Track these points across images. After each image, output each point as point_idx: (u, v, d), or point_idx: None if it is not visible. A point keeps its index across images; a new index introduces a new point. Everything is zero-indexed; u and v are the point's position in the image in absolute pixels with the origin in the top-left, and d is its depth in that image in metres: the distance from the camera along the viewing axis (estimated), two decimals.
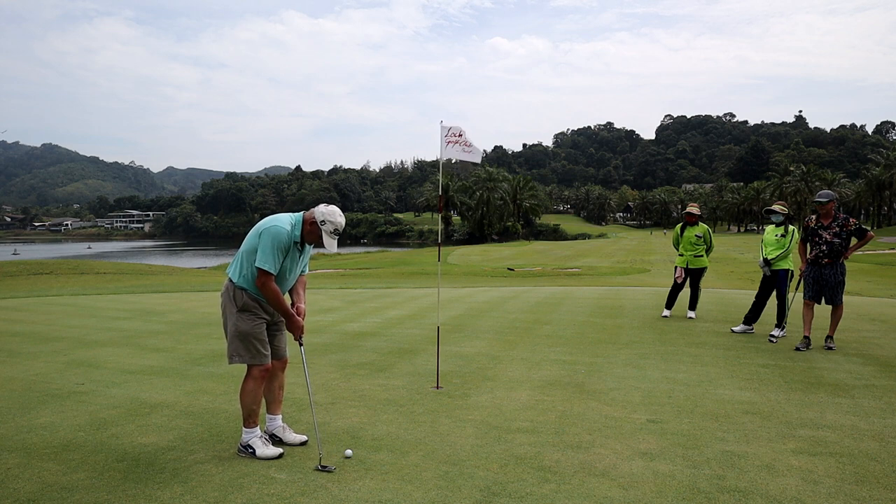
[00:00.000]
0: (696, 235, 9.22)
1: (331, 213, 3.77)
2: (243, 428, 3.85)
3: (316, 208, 3.80)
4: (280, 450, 3.82)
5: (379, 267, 36.33)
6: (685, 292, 9.42)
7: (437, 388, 5.34)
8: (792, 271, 7.74)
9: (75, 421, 4.52)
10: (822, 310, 7.52)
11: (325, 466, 3.60)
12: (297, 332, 3.94)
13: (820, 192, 7.03)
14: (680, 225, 9.46)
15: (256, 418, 3.87)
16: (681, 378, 5.58)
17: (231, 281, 3.86)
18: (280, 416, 4.08)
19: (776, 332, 7.43)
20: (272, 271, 3.70)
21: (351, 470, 3.55)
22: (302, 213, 3.88)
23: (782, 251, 7.63)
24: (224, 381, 5.71)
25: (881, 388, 5.17)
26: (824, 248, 6.88)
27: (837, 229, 6.83)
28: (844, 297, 7.13)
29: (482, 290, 15.50)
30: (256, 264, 3.68)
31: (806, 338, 6.89)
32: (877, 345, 7.07)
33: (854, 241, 6.89)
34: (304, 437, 4.04)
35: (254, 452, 3.77)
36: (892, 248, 45.79)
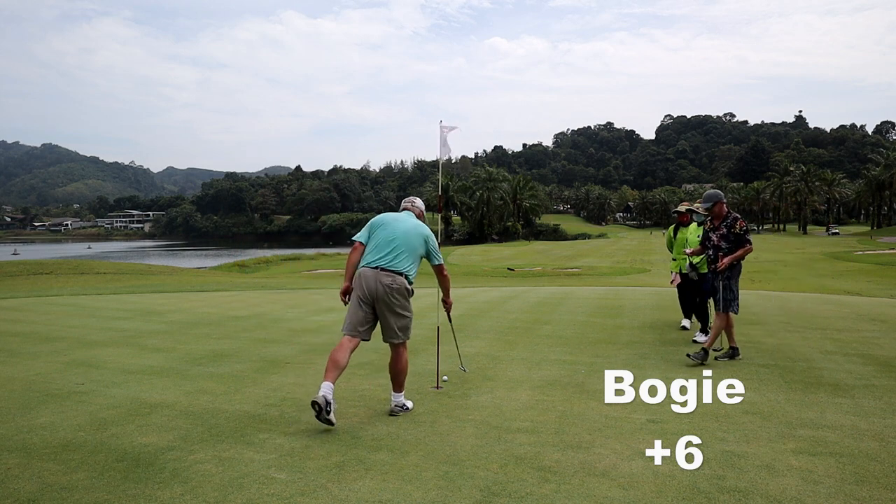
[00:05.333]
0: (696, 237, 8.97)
1: (420, 203, 5.28)
2: (398, 393, 4.67)
3: (418, 206, 5.12)
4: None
5: None
6: None
7: (438, 388, 5.35)
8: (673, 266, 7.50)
9: (75, 421, 4.52)
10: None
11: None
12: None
13: (705, 194, 6.37)
14: (673, 227, 8.68)
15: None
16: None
17: (406, 276, 4.58)
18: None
19: (699, 337, 7.22)
20: None
21: (351, 470, 3.55)
22: (409, 212, 4.97)
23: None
24: (224, 381, 5.71)
25: (881, 388, 5.17)
26: (710, 252, 6.35)
27: (725, 230, 6.22)
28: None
29: (482, 290, 15.50)
30: (440, 262, 4.86)
31: (732, 348, 6.29)
32: (877, 345, 7.07)
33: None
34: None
35: (409, 408, 4.69)
36: (892, 248, 45.79)
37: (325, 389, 4.22)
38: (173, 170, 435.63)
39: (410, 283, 4.65)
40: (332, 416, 4.16)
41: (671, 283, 8.83)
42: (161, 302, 13.37)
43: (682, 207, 8.31)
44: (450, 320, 5.48)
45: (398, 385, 4.67)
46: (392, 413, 4.61)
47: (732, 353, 6.28)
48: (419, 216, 5.00)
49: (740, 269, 6.34)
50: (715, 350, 6.41)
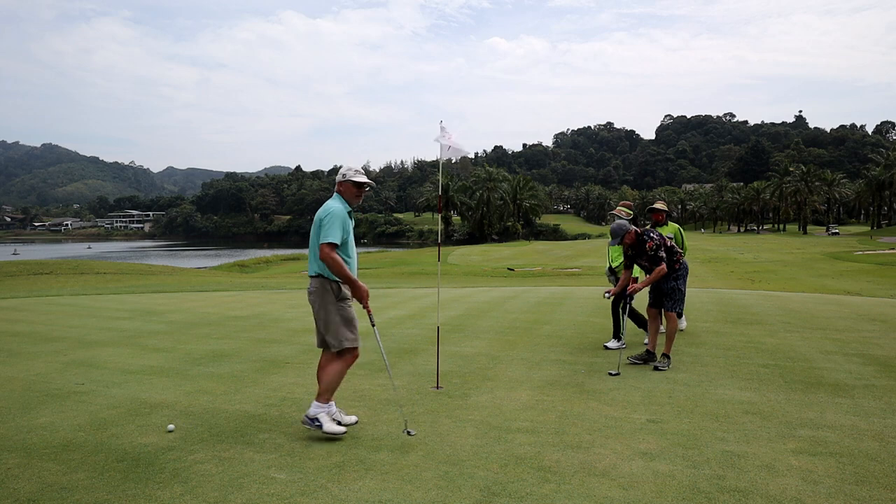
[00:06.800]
0: (667, 236, 8.49)
1: (346, 170, 4.23)
2: (316, 402, 4.13)
3: (338, 179, 4.23)
4: (344, 429, 4.13)
5: (379, 267, 36.34)
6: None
7: (438, 388, 5.35)
8: (637, 278, 6.84)
9: (75, 421, 4.52)
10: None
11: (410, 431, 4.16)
12: (365, 298, 4.15)
13: (610, 230, 6.24)
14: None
15: (332, 394, 4.18)
16: (681, 378, 5.58)
17: (321, 277, 4.12)
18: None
19: (611, 344, 7.00)
20: (337, 241, 4.02)
21: (351, 470, 3.55)
22: (334, 193, 4.24)
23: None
24: (224, 381, 5.71)
25: (881, 388, 5.17)
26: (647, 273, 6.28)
27: (646, 254, 6.16)
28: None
29: (482, 290, 15.50)
30: (321, 240, 4.00)
31: (648, 352, 6.26)
32: (877, 345, 7.06)
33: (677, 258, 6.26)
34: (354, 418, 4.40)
35: (320, 426, 4.07)
36: (892, 248, 45.80)
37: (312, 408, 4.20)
38: (173, 170, 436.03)
39: (332, 279, 4.10)
40: (347, 420, 4.30)
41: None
42: (161, 302, 13.37)
43: (659, 205, 7.73)
44: (372, 322, 4.31)
45: (319, 393, 4.17)
46: (303, 422, 4.15)
47: (648, 356, 6.22)
48: (340, 189, 4.23)
49: (685, 271, 6.50)
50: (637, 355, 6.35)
